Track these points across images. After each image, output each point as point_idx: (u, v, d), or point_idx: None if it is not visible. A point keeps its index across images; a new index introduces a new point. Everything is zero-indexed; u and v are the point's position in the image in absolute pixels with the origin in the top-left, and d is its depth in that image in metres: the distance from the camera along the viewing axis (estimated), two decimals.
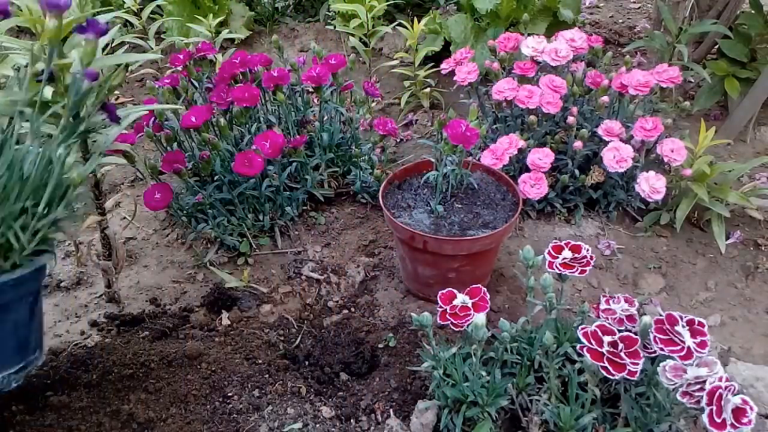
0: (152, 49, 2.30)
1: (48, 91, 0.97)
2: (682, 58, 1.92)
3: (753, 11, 1.97)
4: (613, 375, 0.83)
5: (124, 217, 1.70)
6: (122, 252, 1.32)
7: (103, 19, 1.07)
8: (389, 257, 1.49)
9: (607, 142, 1.50)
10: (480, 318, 0.92)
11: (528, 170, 1.52)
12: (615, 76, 1.58)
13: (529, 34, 1.71)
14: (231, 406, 1.10)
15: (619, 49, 2.49)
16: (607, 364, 0.84)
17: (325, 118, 1.65)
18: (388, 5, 2.31)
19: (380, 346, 1.27)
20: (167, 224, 1.68)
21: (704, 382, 0.80)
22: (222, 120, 1.45)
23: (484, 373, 1.00)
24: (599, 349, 0.86)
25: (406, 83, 2.22)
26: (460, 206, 1.34)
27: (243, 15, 2.60)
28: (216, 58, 1.94)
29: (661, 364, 0.84)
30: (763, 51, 1.93)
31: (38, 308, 0.92)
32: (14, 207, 0.79)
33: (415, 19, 2.08)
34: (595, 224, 1.61)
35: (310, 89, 1.63)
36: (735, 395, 0.78)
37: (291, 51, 2.58)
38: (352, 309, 1.38)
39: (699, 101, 2.00)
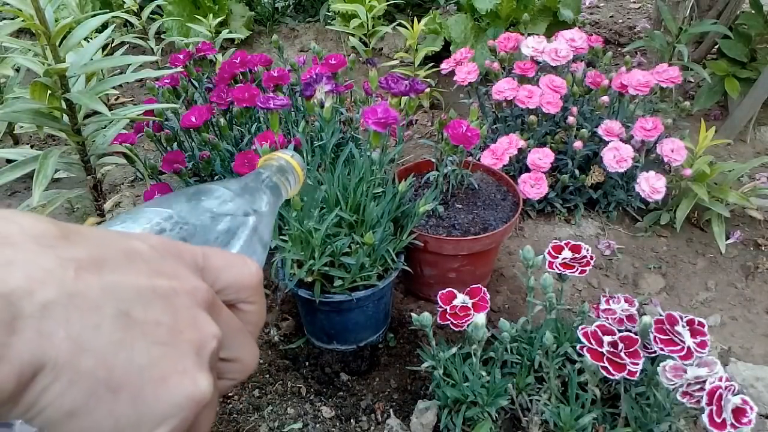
0: (152, 49, 2.30)
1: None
2: (682, 58, 1.92)
3: (753, 11, 1.97)
4: (613, 375, 0.83)
5: None
6: None
7: (100, 19, 1.07)
8: None
9: (607, 142, 1.50)
10: (480, 318, 0.92)
11: (528, 170, 1.52)
12: (615, 76, 1.58)
13: (529, 34, 1.71)
14: (231, 406, 1.10)
15: (619, 49, 2.49)
16: (607, 364, 0.84)
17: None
18: (388, 5, 2.31)
19: (380, 346, 1.27)
20: None
21: (704, 382, 0.79)
22: (222, 120, 1.45)
23: (484, 373, 1.00)
24: (599, 349, 0.86)
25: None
26: (460, 206, 1.34)
27: (243, 15, 2.60)
28: (216, 58, 1.94)
29: (661, 364, 0.84)
30: (763, 51, 1.93)
31: None
32: None
33: (415, 19, 2.08)
34: (595, 224, 1.61)
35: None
36: (735, 395, 0.78)
37: (291, 51, 2.58)
38: None
39: (699, 101, 2.00)
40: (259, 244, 0.35)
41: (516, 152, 1.51)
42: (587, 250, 1.02)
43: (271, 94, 1.08)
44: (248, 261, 0.28)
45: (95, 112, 1.07)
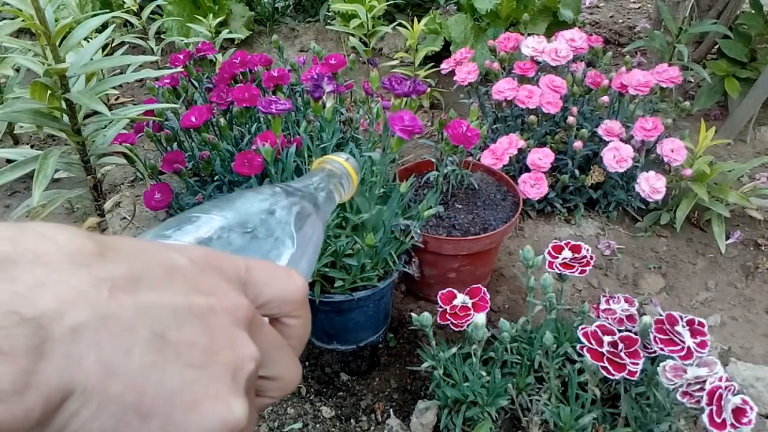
0: (152, 49, 2.30)
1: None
2: (682, 58, 1.92)
3: (753, 11, 1.97)
4: (613, 375, 0.83)
5: (124, 218, 1.70)
6: None
7: (100, 19, 1.07)
8: None
9: (607, 142, 1.50)
10: (480, 318, 0.92)
11: (528, 170, 1.52)
12: (615, 76, 1.58)
13: (529, 34, 1.71)
14: None
15: (619, 49, 2.50)
16: (607, 364, 0.84)
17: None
18: (388, 5, 2.31)
19: (380, 346, 1.27)
20: None
21: (704, 382, 0.80)
22: (222, 120, 1.45)
23: (484, 373, 1.00)
24: (599, 349, 0.86)
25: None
26: (460, 206, 1.34)
27: (243, 15, 2.60)
28: (216, 58, 1.94)
29: (661, 364, 0.84)
30: (763, 51, 1.93)
31: None
32: None
33: (415, 19, 2.08)
34: (595, 224, 1.61)
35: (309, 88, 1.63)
36: (735, 395, 0.78)
37: (291, 51, 2.58)
38: None
39: (699, 101, 2.00)
40: (309, 254, 0.34)
41: (516, 152, 1.51)
42: (587, 250, 1.02)
43: (273, 97, 1.08)
44: (293, 274, 0.27)
45: (95, 112, 1.08)
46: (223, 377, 0.21)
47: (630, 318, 0.96)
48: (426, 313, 0.99)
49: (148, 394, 0.19)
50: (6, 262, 0.19)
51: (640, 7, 3.01)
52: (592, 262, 0.99)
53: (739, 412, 0.77)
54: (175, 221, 0.30)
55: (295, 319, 0.27)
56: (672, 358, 0.84)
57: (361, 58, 2.28)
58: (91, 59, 1.14)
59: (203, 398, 0.20)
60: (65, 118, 1.15)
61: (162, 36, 2.45)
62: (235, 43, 2.56)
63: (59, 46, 1.07)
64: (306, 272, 0.33)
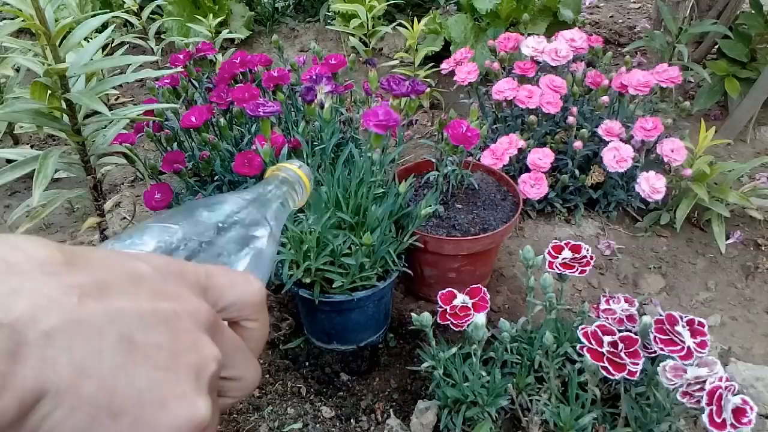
0: (152, 49, 2.30)
1: None
2: (682, 58, 1.92)
3: (753, 11, 1.97)
4: (613, 375, 0.83)
5: (124, 218, 1.70)
6: None
7: (100, 19, 1.07)
8: None
9: (607, 142, 1.50)
10: (480, 318, 0.92)
11: (528, 170, 1.52)
12: (615, 76, 1.58)
13: (529, 34, 1.71)
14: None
15: (619, 49, 2.50)
16: (607, 364, 0.84)
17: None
18: (388, 5, 2.31)
19: (380, 346, 1.27)
20: None
21: (704, 382, 0.80)
22: (222, 120, 1.45)
23: (484, 373, 1.00)
24: (599, 349, 0.86)
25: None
26: (460, 206, 1.34)
27: (243, 15, 2.60)
28: (216, 58, 1.94)
29: (661, 364, 0.84)
30: (763, 51, 1.93)
31: None
32: None
33: (415, 19, 2.09)
34: (595, 224, 1.61)
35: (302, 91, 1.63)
36: (735, 395, 0.78)
37: (291, 51, 2.58)
38: None
39: (699, 101, 2.00)
40: (265, 259, 0.35)
41: (516, 152, 1.51)
42: (587, 250, 1.02)
43: (261, 100, 1.08)
44: (251, 278, 0.28)
45: (95, 112, 1.07)
46: (187, 378, 0.22)
47: (630, 318, 0.96)
48: (426, 313, 0.99)
49: (118, 394, 0.20)
50: None
51: (640, 7, 3.01)
52: (592, 262, 0.99)
53: (739, 412, 0.77)
54: (134, 231, 0.31)
55: (253, 322, 0.28)
56: (672, 358, 0.84)
57: (361, 58, 2.28)
58: (91, 59, 1.14)
59: (170, 397, 0.21)
60: (65, 118, 1.15)
61: (162, 36, 2.45)
62: (235, 43, 2.56)
63: (59, 46, 1.07)
64: (263, 277, 0.35)
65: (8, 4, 1.01)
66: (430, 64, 2.15)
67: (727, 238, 1.54)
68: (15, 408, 0.18)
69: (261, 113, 1.02)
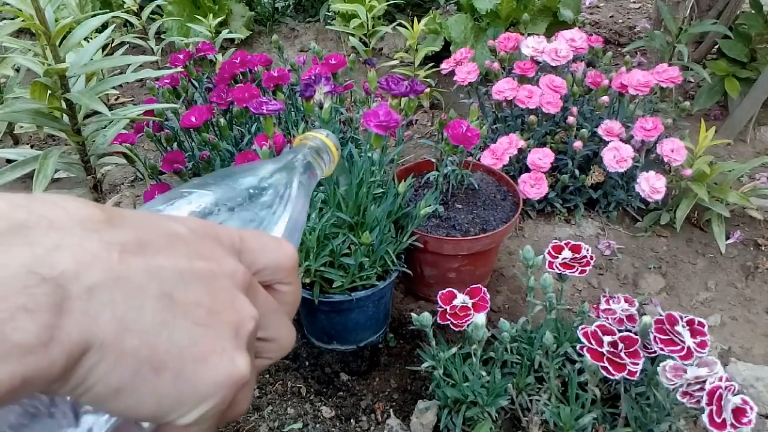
0: (152, 49, 2.30)
1: None
2: (682, 58, 1.92)
3: (753, 11, 1.97)
4: (613, 375, 0.83)
5: None
6: None
7: (100, 19, 1.07)
8: None
9: (607, 142, 1.50)
10: (480, 318, 0.92)
11: (528, 170, 1.52)
12: (615, 76, 1.58)
13: (529, 34, 1.71)
14: None
15: (619, 49, 2.50)
16: (607, 364, 0.84)
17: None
18: (388, 5, 2.31)
19: (380, 346, 1.27)
20: None
21: (704, 382, 0.80)
22: (222, 120, 1.45)
23: (484, 373, 1.00)
24: (599, 349, 0.86)
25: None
26: (460, 206, 1.34)
27: (243, 15, 2.60)
28: (216, 58, 1.94)
29: (661, 364, 0.84)
30: (763, 51, 1.93)
31: None
32: None
33: (415, 19, 2.09)
34: (595, 224, 1.61)
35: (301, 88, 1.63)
36: (735, 395, 0.78)
37: (291, 51, 2.58)
38: None
39: (699, 101, 2.00)
40: (296, 225, 0.36)
41: (516, 152, 1.51)
42: (587, 250, 1.02)
43: (264, 98, 1.08)
44: (284, 243, 0.29)
45: (95, 112, 1.08)
46: (227, 335, 0.23)
47: (630, 318, 0.96)
48: (426, 313, 0.99)
49: (159, 350, 0.21)
50: (23, 228, 0.20)
51: (640, 7, 3.01)
52: (592, 262, 0.99)
53: (739, 412, 0.77)
54: (166, 197, 0.32)
55: (287, 286, 0.29)
56: (672, 358, 0.84)
57: (360, 58, 2.28)
58: (91, 59, 1.14)
59: (210, 354, 0.22)
60: (65, 118, 1.15)
61: (162, 36, 2.45)
62: (235, 43, 2.56)
63: (59, 46, 1.07)
64: (295, 242, 0.35)
65: (8, 4, 1.01)
66: (430, 64, 2.15)
67: (727, 238, 1.55)
68: (63, 360, 0.19)
69: (264, 111, 1.02)
